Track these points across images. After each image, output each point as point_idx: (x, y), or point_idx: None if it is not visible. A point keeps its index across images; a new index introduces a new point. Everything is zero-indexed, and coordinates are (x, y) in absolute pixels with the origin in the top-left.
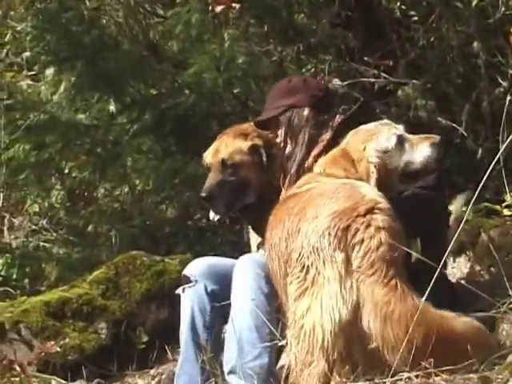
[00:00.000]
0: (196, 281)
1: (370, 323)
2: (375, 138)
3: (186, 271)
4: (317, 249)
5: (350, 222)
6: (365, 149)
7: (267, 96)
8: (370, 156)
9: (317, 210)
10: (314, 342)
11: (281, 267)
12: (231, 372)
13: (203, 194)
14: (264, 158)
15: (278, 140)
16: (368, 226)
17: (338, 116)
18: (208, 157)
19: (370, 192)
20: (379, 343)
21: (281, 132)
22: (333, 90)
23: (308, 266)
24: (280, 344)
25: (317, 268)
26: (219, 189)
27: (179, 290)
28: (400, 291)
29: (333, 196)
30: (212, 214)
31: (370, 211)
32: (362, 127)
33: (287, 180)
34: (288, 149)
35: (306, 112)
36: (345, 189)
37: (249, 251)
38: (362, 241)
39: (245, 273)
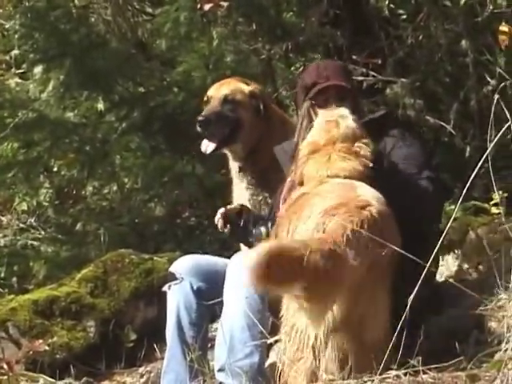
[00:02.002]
0: (182, 278)
1: None
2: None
3: (172, 268)
4: None
5: (335, 214)
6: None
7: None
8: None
9: (311, 209)
10: (305, 340)
11: None
12: (221, 370)
13: (200, 118)
14: (261, 107)
15: None
16: (350, 216)
17: None
18: (211, 90)
19: (367, 193)
20: None
21: None
22: None
23: None
24: (269, 342)
25: None
26: (216, 118)
27: (165, 288)
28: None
29: (327, 195)
30: (204, 146)
31: (360, 208)
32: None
33: None
34: None
35: None
36: (340, 188)
37: (239, 249)
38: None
39: (239, 271)
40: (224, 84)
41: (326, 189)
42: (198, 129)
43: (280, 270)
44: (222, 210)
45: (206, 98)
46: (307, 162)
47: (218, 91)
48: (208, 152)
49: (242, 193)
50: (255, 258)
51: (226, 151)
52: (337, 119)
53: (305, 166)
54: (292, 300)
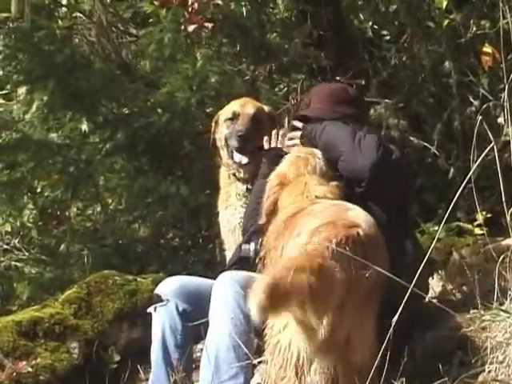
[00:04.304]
0: (167, 300)
1: None
2: None
3: (158, 290)
4: None
5: (326, 234)
6: None
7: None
8: None
9: (301, 228)
10: (289, 358)
11: None
12: None
13: (242, 133)
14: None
15: None
16: (335, 231)
17: None
18: (235, 107)
19: (358, 215)
20: None
21: None
22: None
23: None
24: (254, 363)
25: None
26: (252, 135)
27: (151, 309)
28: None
29: (318, 215)
30: (238, 157)
31: (347, 226)
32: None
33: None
34: None
35: None
36: (332, 209)
37: (223, 270)
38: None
39: (224, 291)
40: (247, 102)
41: (318, 209)
42: (235, 143)
43: (279, 299)
44: None
45: (231, 115)
46: (280, 191)
47: (244, 108)
48: (244, 163)
49: (236, 213)
50: (257, 297)
51: (238, 170)
52: (307, 156)
53: (278, 195)
54: (278, 318)
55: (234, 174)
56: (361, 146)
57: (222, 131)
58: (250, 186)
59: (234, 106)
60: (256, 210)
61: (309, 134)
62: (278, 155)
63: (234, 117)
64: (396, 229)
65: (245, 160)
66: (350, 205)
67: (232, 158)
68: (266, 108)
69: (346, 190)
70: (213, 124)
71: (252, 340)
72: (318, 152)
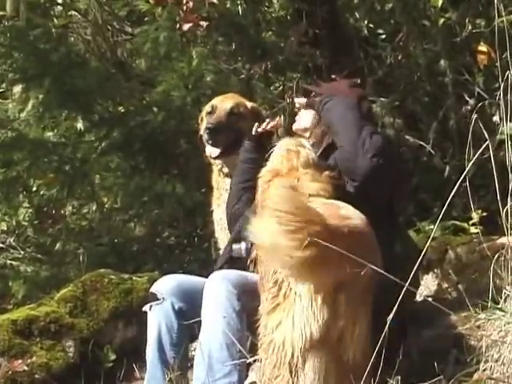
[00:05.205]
0: (163, 298)
1: None
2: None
3: (154, 288)
4: None
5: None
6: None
7: None
8: None
9: None
10: (283, 357)
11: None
12: None
13: (210, 126)
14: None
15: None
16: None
17: None
18: (215, 102)
19: (350, 213)
20: None
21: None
22: None
23: (281, 282)
24: (248, 361)
25: (289, 284)
26: (222, 128)
27: (146, 308)
28: None
29: None
30: (209, 151)
31: (344, 218)
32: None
33: None
34: None
35: None
36: (324, 208)
37: (217, 269)
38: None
39: (217, 290)
40: (228, 97)
41: None
42: (205, 136)
43: None
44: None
45: (209, 109)
46: (271, 187)
47: (222, 103)
48: (213, 156)
49: None
50: None
51: (222, 164)
52: (298, 149)
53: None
54: (270, 316)
55: (221, 170)
56: (365, 146)
57: (203, 126)
58: None
59: (214, 100)
60: (236, 196)
61: (314, 104)
62: (257, 140)
63: (212, 110)
64: (384, 229)
65: (215, 153)
66: (341, 203)
67: None
68: (250, 104)
69: (339, 180)
70: (199, 120)
71: (245, 338)
72: (306, 143)
